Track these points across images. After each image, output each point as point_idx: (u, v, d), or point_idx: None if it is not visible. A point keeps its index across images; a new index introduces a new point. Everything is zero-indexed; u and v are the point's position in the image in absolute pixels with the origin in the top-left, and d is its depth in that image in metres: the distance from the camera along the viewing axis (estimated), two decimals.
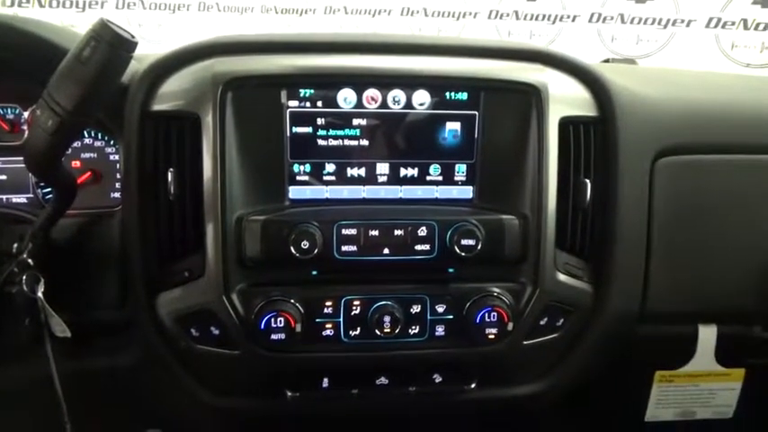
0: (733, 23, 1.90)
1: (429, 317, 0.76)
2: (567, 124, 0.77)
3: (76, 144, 0.87)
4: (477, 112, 0.76)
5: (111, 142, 0.88)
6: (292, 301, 0.73)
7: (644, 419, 0.99)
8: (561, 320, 0.80)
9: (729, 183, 0.84)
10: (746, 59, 1.92)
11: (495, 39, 0.75)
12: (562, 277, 0.78)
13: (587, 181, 0.77)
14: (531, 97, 0.75)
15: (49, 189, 0.87)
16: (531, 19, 1.99)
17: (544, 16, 1.98)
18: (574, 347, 0.85)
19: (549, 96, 0.75)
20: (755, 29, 1.90)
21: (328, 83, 0.74)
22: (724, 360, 0.92)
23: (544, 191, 0.75)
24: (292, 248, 0.71)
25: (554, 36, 1.99)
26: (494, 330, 0.75)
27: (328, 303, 0.74)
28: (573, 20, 1.97)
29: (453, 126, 0.76)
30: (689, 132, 0.83)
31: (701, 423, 1.00)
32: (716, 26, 1.91)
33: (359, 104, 0.75)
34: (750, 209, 0.85)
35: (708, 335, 0.90)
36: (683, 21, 1.92)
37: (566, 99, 0.77)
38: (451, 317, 0.76)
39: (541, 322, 0.79)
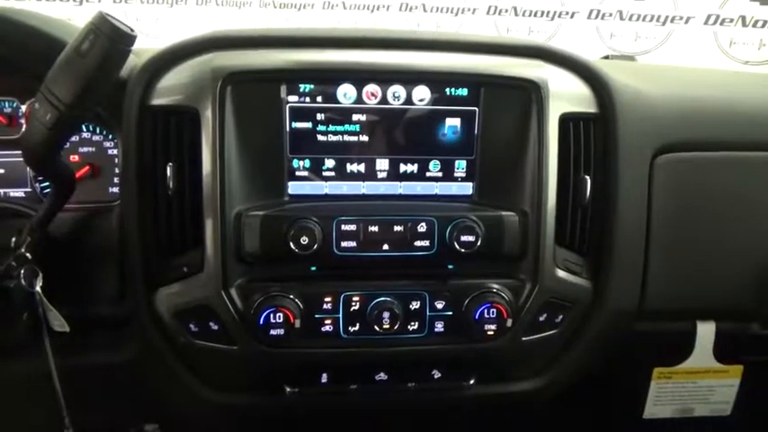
0: (731, 20, 1.90)
1: (428, 313, 0.76)
2: (567, 121, 0.76)
3: (75, 138, 0.86)
4: (477, 108, 0.76)
5: (110, 137, 0.87)
6: (291, 296, 0.72)
7: (642, 416, 0.99)
8: (560, 317, 0.80)
9: (729, 180, 0.84)
10: (745, 56, 1.92)
11: (495, 35, 0.75)
12: (561, 274, 0.78)
13: (587, 177, 0.77)
14: (532, 93, 0.75)
15: (48, 183, 0.86)
16: (530, 15, 1.99)
17: (543, 12, 1.98)
18: (572, 344, 0.85)
19: (549, 93, 0.74)
20: (754, 26, 1.90)
21: (328, 78, 0.74)
22: (722, 357, 0.93)
23: (544, 187, 0.75)
24: (291, 244, 0.71)
25: (553, 32, 1.99)
26: (493, 327, 0.75)
27: (327, 299, 0.74)
28: (572, 16, 1.97)
29: (453, 122, 0.76)
30: (689, 129, 0.83)
31: (699, 420, 1.00)
32: (714, 23, 1.91)
33: (359, 100, 0.74)
34: (750, 206, 0.85)
35: (706, 332, 0.90)
36: (681, 18, 1.92)
37: (566, 95, 0.77)
38: (450, 313, 0.76)
39: (540, 319, 0.79)
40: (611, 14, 1.96)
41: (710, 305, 0.88)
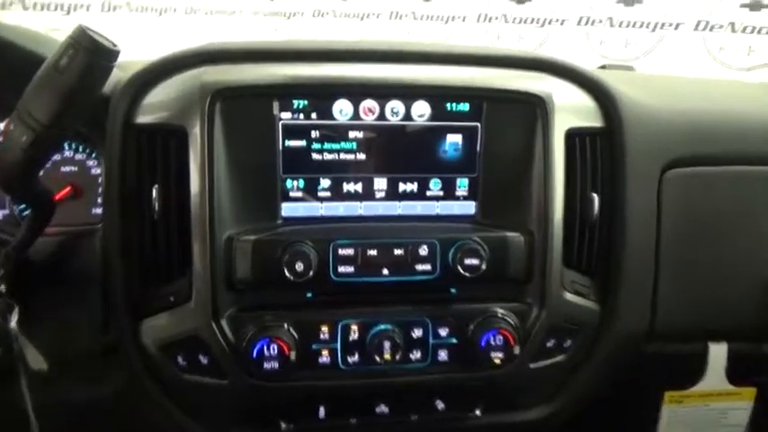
0: (721, 26, 1.90)
1: (431, 341, 0.72)
2: (572, 136, 0.73)
3: (56, 157, 0.81)
4: (479, 124, 0.72)
5: (93, 155, 0.83)
6: (286, 326, 0.68)
7: None
8: (568, 342, 0.77)
9: (740, 195, 0.81)
10: (733, 62, 1.92)
11: (497, 47, 0.72)
12: (569, 296, 0.75)
13: (594, 195, 0.74)
14: (536, 108, 0.72)
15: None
16: (520, 22, 1.97)
17: (533, 20, 1.97)
18: (581, 369, 0.81)
19: (554, 106, 0.71)
20: (743, 32, 1.89)
21: (323, 93, 0.70)
22: (735, 379, 0.89)
23: (550, 206, 0.72)
24: (286, 270, 0.66)
25: (543, 39, 1.97)
26: (499, 354, 0.71)
27: (324, 328, 0.70)
28: (561, 23, 1.96)
29: (454, 138, 0.73)
30: (697, 144, 0.80)
31: None
32: (704, 29, 1.90)
33: (355, 116, 0.71)
34: (762, 221, 0.82)
35: (718, 353, 0.87)
36: (671, 24, 1.92)
37: (571, 109, 0.73)
38: (455, 340, 0.72)
39: (548, 344, 0.75)
40: (600, 21, 1.95)
41: (723, 325, 0.85)
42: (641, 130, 0.76)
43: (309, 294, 0.71)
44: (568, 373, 0.81)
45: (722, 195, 0.81)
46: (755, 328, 0.86)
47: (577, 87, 0.76)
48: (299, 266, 0.66)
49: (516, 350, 0.71)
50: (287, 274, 0.66)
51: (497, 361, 0.71)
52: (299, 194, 0.72)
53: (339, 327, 0.70)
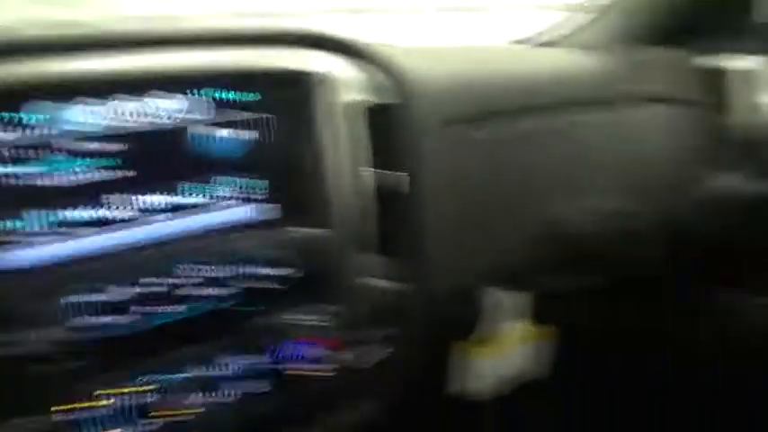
0: None
1: (239, 376, 0.61)
2: (359, 113, 0.68)
3: None
4: (256, 114, 0.62)
5: None
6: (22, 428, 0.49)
7: (458, 394, 0.98)
8: (385, 330, 0.72)
9: (523, 147, 0.86)
10: None
11: (265, 23, 0.65)
12: (376, 283, 0.70)
13: (389, 172, 0.70)
14: (319, 87, 0.64)
15: None
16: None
17: None
18: (399, 351, 0.77)
19: (336, 85, 0.65)
20: None
21: (21, 95, 0.51)
22: (533, 321, 0.95)
23: (344, 192, 0.65)
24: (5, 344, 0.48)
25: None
26: (318, 365, 0.63)
27: (85, 408, 0.53)
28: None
29: (226, 134, 0.60)
30: (477, 104, 0.82)
31: (513, 388, 1.02)
32: None
33: (88, 122, 0.53)
34: (543, 168, 0.88)
35: (511, 300, 0.92)
36: None
37: (352, 86, 0.68)
38: (266, 367, 0.62)
39: (366, 338, 0.70)
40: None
41: (513, 273, 0.90)
42: (425, 99, 0.75)
43: (53, 369, 0.52)
44: (392, 362, 0.77)
45: (506, 150, 0.85)
46: (548, 272, 0.92)
47: (357, 62, 0.71)
48: (31, 335, 0.48)
49: (335, 355, 0.64)
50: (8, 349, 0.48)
51: (318, 372, 0.63)
52: (13, 238, 0.51)
53: (108, 399, 0.54)
